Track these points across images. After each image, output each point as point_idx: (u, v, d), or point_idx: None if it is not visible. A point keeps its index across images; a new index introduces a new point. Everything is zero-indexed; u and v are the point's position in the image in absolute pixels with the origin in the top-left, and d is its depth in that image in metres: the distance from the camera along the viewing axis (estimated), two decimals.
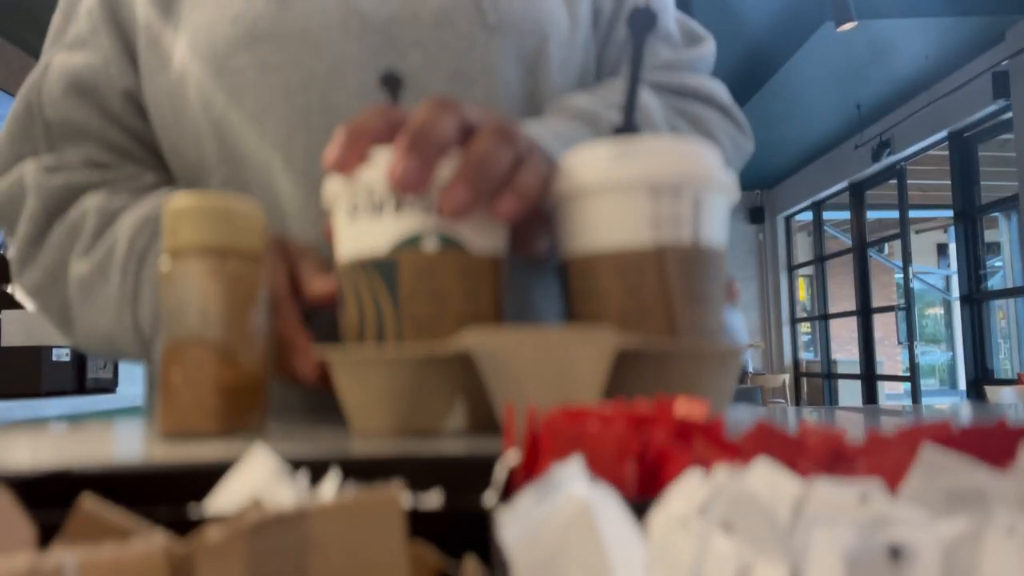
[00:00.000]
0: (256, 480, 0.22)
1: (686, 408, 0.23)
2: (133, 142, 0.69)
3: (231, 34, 0.63)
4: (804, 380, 7.85)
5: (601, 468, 0.19)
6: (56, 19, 0.72)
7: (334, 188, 0.44)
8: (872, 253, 7.09)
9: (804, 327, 8.18)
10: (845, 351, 7.60)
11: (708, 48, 0.74)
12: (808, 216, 7.83)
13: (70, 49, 0.69)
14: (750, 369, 7.09)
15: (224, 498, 0.22)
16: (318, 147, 0.62)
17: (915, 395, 6.28)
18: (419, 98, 0.63)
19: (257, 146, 0.63)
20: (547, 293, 0.66)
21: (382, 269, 0.42)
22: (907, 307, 6.33)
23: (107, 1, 0.68)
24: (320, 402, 0.62)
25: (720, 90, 0.72)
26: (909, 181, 6.20)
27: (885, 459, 0.19)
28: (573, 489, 0.15)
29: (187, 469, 0.24)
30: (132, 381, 2.88)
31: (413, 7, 0.64)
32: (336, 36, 0.62)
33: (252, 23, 0.62)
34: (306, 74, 0.62)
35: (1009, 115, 4.79)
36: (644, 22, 0.44)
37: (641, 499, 0.18)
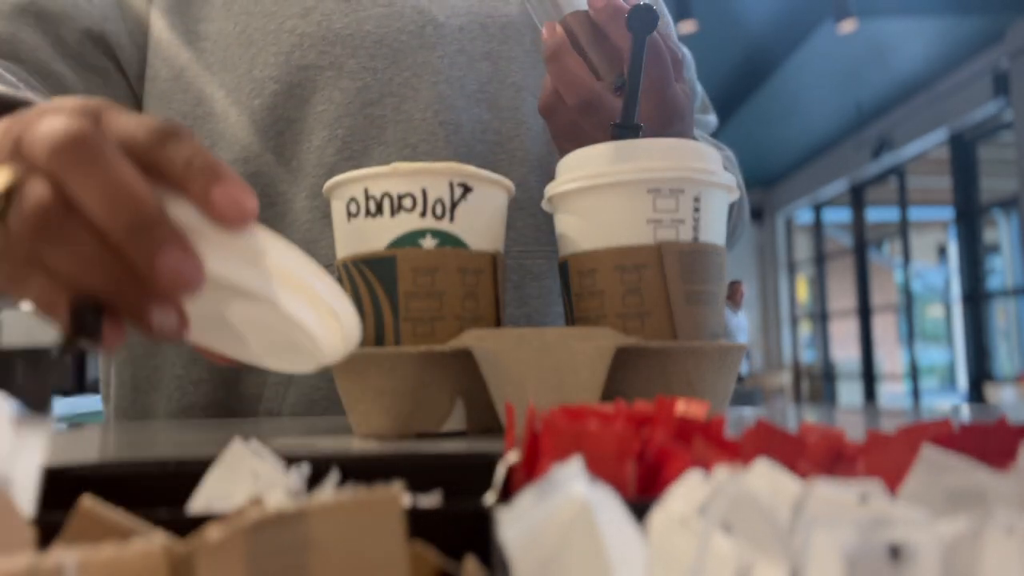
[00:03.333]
0: (236, 476, 0.22)
1: (686, 408, 0.23)
2: (78, 81, 0.61)
3: (299, 29, 0.60)
4: (804, 380, 7.85)
5: (601, 468, 0.19)
6: None
7: (332, 188, 0.44)
8: (872, 253, 7.08)
9: (804, 327, 8.18)
10: (845, 351, 7.59)
11: (714, 119, 0.79)
12: (808, 216, 7.83)
13: None
14: (745, 371, 7.10)
15: (205, 495, 0.22)
16: (395, 160, 0.59)
17: (915, 395, 6.28)
18: (489, 109, 0.62)
19: (324, 152, 0.60)
20: (548, 296, 0.66)
21: (380, 267, 0.42)
22: (907, 307, 6.33)
23: None
24: (321, 402, 0.62)
25: (732, 155, 0.76)
26: (909, 181, 6.20)
27: (885, 459, 0.19)
28: (573, 489, 0.15)
29: (186, 468, 0.24)
30: None
31: (481, 20, 0.63)
32: (413, 44, 0.61)
33: (324, 20, 0.60)
34: (383, 83, 0.60)
35: (1009, 115, 4.79)
36: (644, 22, 0.44)
37: (641, 499, 0.18)
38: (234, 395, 0.61)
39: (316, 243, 0.61)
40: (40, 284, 0.29)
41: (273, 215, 0.62)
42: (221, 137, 0.62)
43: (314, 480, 0.23)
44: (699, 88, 0.79)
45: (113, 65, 0.63)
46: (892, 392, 7.72)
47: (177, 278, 0.27)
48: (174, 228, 0.28)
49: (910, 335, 6.35)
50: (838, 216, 7.57)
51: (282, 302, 0.29)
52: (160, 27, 0.64)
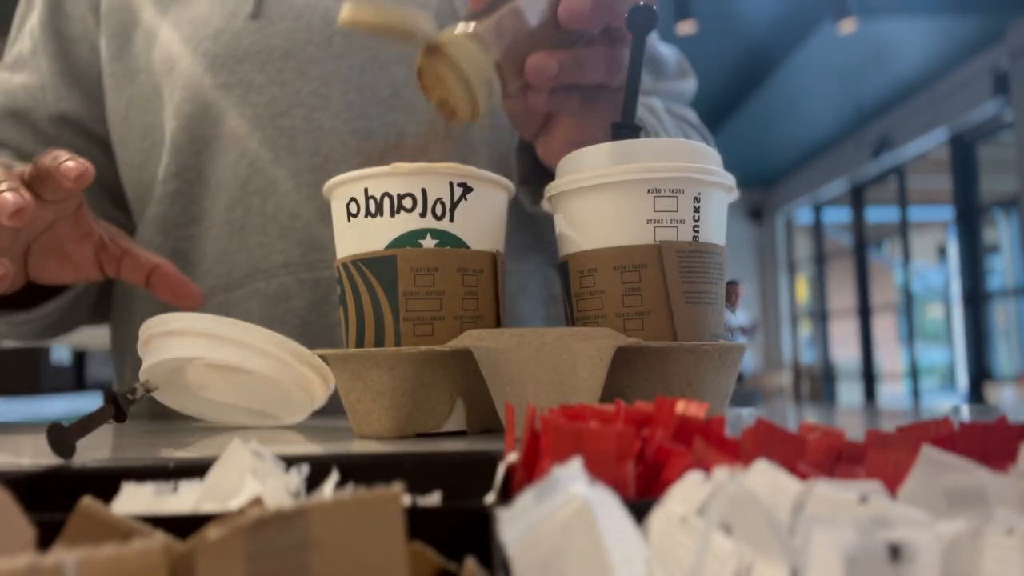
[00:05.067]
0: (236, 476, 0.22)
1: (686, 408, 0.23)
2: None
3: (211, 51, 0.62)
4: (804, 380, 7.85)
5: (601, 468, 0.19)
6: (13, 30, 0.72)
7: (332, 188, 0.44)
8: (872, 253, 7.08)
9: (804, 327, 8.18)
10: (845, 351, 7.59)
11: (693, 83, 0.77)
12: (808, 216, 7.83)
13: (11, 68, 0.69)
14: (748, 372, 7.10)
15: (206, 494, 0.22)
16: (306, 170, 0.61)
17: (915, 395, 6.28)
18: (404, 113, 0.62)
19: (238, 164, 0.62)
20: (532, 301, 0.66)
21: (380, 267, 0.42)
22: (907, 307, 6.33)
23: (52, 17, 0.68)
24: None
25: (698, 120, 0.74)
26: (909, 181, 6.20)
27: (885, 459, 0.19)
28: (573, 489, 0.15)
29: (186, 468, 0.24)
30: None
31: None
32: (321, 54, 0.62)
33: (233, 40, 0.62)
34: (291, 95, 0.61)
35: (1009, 115, 4.78)
36: (644, 22, 0.44)
37: (641, 499, 0.18)
38: None
39: (234, 255, 0.62)
40: None
41: (198, 232, 0.64)
42: (161, 159, 0.65)
43: (314, 480, 0.23)
44: (664, 50, 0.75)
45: (85, 142, 0.69)
46: (892, 392, 7.71)
47: (8, 206, 0.43)
48: (12, 185, 0.44)
49: (910, 335, 6.35)
50: (838, 216, 7.57)
51: (277, 373, 0.45)
52: (107, 77, 0.67)
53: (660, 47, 0.76)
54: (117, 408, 0.40)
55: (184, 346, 0.45)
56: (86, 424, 0.35)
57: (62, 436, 0.32)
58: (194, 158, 0.63)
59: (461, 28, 0.45)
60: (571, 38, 0.47)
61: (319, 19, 0.62)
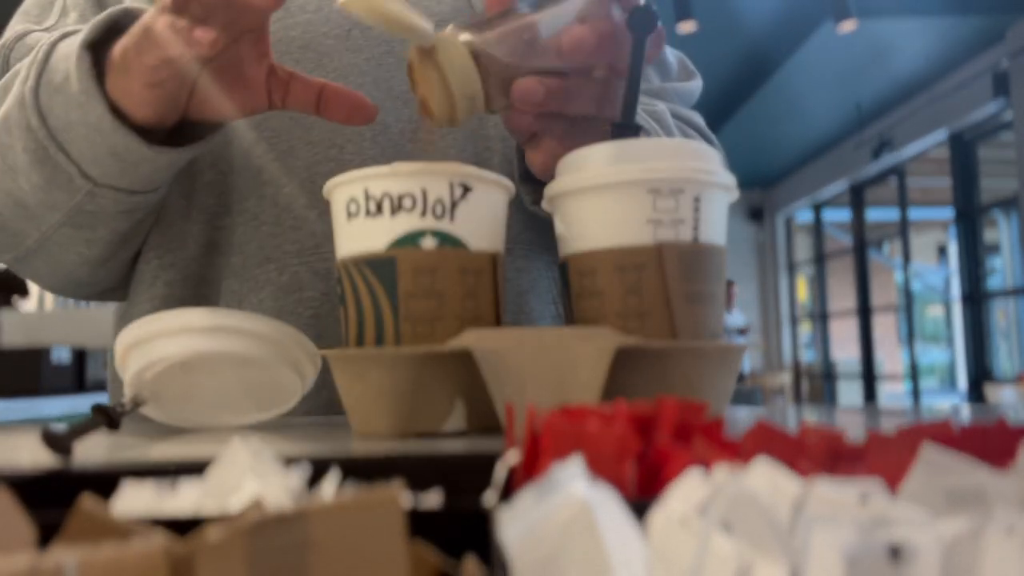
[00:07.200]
0: (235, 476, 0.22)
1: (686, 408, 0.23)
2: None
3: None
4: (804, 380, 7.85)
5: (601, 468, 0.19)
6: (28, 3, 0.69)
7: (332, 188, 0.44)
8: (872, 253, 7.09)
9: (804, 327, 8.18)
10: (845, 351, 7.60)
11: (698, 83, 0.77)
12: (808, 216, 7.83)
13: (50, 32, 0.66)
14: (747, 369, 7.10)
15: (205, 494, 0.22)
16: (321, 160, 0.61)
17: (915, 395, 6.28)
18: (414, 111, 0.62)
19: (251, 154, 0.62)
20: (542, 298, 0.66)
21: (380, 268, 0.42)
22: (907, 307, 6.34)
23: None
24: (321, 402, 0.62)
25: (703, 124, 0.74)
26: (909, 181, 6.20)
27: (885, 459, 0.19)
28: (573, 489, 0.15)
29: (186, 468, 0.24)
30: None
31: None
32: (339, 47, 0.62)
33: None
34: None
35: (1009, 115, 4.79)
36: (644, 22, 0.44)
37: (641, 499, 0.18)
38: None
39: (248, 244, 0.62)
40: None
41: (230, 222, 0.64)
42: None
43: (314, 480, 0.23)
44: (669, 57, 0.76)
45: None
46: (892, 392, 7.71)
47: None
48: None
49: (910, 335, 6.35)
50: (838, 216, 7.57)
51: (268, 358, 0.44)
52: None
53: (666, 50, 0.76)
54: (108, 418, 0.39)
55: (170, 345, 0.44)
56: (77, 432, 0.34)
57: (57, 438, 0.32)
58: (225, 148, 0.63)
59: (461, 35, 0.45)
60: (569, 68, 0.47)
61: (337, 12, 0.62)
